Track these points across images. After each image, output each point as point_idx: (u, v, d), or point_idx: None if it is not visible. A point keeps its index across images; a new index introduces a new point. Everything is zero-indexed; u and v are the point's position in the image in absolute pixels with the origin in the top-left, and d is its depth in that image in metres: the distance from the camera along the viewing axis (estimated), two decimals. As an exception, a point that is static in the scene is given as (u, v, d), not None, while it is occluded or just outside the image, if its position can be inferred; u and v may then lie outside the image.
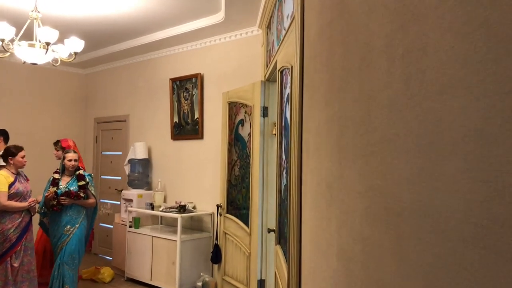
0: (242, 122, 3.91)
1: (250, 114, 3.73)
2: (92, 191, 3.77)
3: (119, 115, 5.91)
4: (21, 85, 5.90)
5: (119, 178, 5.83)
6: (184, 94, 4.84)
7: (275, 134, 3.51)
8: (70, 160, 3.73)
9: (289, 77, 2.31)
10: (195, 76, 4.69)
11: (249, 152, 3.70)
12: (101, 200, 6.18)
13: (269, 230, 2.71)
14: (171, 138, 5.02)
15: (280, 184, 2.59)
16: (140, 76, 5.58)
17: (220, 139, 4.29)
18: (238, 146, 3.96)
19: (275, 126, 3.52)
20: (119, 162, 5.76)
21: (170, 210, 4.36)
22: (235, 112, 4.04)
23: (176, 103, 4.95)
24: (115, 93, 6.01)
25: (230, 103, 4.14)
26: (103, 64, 6.13)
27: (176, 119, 4.95)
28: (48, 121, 6.16)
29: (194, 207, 4.63)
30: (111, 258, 5.36)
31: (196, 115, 4.70)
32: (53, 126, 6.22)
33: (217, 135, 4.44)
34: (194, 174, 4.76)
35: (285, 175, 2.40)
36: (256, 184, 3.53)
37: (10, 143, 5.60)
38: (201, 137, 4.67)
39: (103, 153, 6.24)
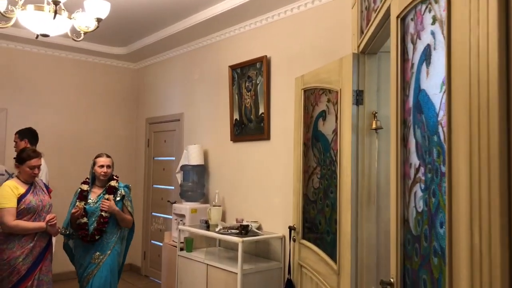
0: (323, 114, 2.91)
1: (336, 102, 2.73)
2: (129, 208, 2.97)
3: (172, 113, 5.19)
4: (65, 81, 5.43)
5: (172, 188, 5.10)
6: (246, 84, 3.96)
7: (375, 129, 2.47)
8: (101, 166, 2.99)
9: (429, 14, 1.29)
10: (260, 60, 3.78)
11: (335, 156, 2.70)
12: (153, 213, 5.50)
13: (384, 284, 1.68)
14: (231, 140, 4.15)
15: (403, 208, 1.56)
16: (195, 67, 4.80)
17: (292, 139, 3.33)
18: (318, 147, 2.97)
19: (375, 117, 2.48)
20: (172, 168, 5.02)
21: (229, 231, 3.46)
22: (314, 101, 3.06)
23: (236, 96, 4.07)
24: (168, 88, 5.31)
25: (305, 91, 3.17)
26: (155, 56, 5.48)
27: (236, 116, 4.07)
28: (95, 122, 5.64)
29: (259, 228, 3.70)
30: (161, 282, 4.60)
31: (261, 110, 3.78)
32: (101, 128, 5.69)
33: (288, 135, 3.49)
34: (259, 185, 3.83)
35: (420, 193, 1.37)
36: (346, 202, 2.51)
37: (51, 145, 5.12)
38: (267, 138, 3.74)
39: (155, 158, 5.56)
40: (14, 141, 3.84)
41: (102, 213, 2.91)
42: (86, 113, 5.56)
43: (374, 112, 2.52)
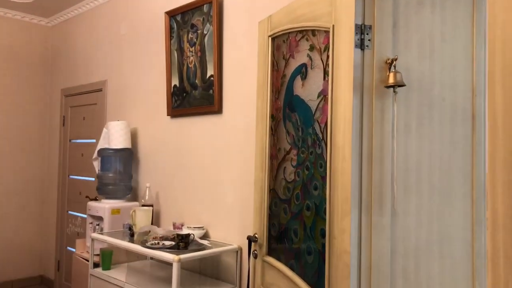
0: (303, 70, 2.00)
1: (325, 49, 1.81)
2: None
3: (93, 82, 4.09)
4: None
5: (93, 179, 4.02)
6: (190, 35, 2.95)
7: (393, 87, 1.58)
8: None
9: None
10: (208, 1, 2.77)
11: (322, 132, 1.80)
12: (69, 212, 4.39)
13: None
14: (168, 114, 3.14)
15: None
16: (123, 19, 3.73)
17: (254, 112, 2.40)
18: (293, 121, 2.06)
19: (391, 68, 1.58)
20: (93, 154, 3.93)
21: (162, 243, 2.47)
22: (287, 53, 2.13)
23: (175, 53, 3.05)
24: (89, 50, 4.20)
25: (275, 38, 2.24)
26: (72, 7, 4.34)
27: (175, 81, 3.06)
28: (-11, 92, 4.40)
29: (205, 236, 2.75)
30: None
31: (210, 71, 2.80)
32: (4, 103, 4.44)
33: (248, 105, 2.57)
34: (207, 177, 2.86)
35: None
36: (344, 203, 1.63)
37: None
38: (219, 110, 2.77)
39: (72, 141, 4.43)
40: None
41: None
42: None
43: (389, 60, 1.62)
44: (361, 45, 1.64)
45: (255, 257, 2.30)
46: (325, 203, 1.75)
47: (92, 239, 2.88)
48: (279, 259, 2.14)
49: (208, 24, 2.82)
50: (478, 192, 1.66)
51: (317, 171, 1.85)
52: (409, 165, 1.64)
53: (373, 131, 1.62)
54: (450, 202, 1.64)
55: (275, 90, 2.23)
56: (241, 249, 2.58)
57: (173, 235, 2.52)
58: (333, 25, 1.74)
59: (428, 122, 1.65)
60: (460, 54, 1.67)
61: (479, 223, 1.67)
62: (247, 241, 2.33)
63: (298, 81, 2.03)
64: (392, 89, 1.60)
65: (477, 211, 1.66)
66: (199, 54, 2.89)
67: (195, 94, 2.93)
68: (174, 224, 2.84)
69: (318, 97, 1.86)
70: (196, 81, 2.91)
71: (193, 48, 2.93)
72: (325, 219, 1.75)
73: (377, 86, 1.62)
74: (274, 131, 2.23)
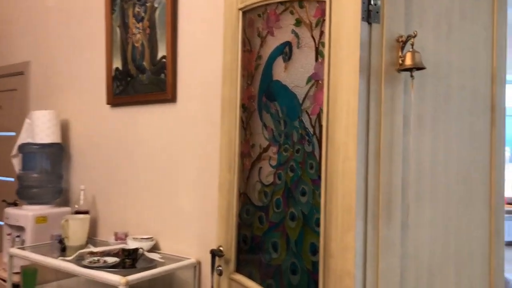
0: (286, 50, 1.69)
1: (317, 24, 1.51)
2: None
3: (12, 64, 3.53)
4: None
5: (13, 179, 3.46)
6: (136, 9, 2.52)
7: (410, 70, 1.31)
8: None
9: None
10: (160, -32, 2.37)
11: (313, 125, 1.50)
12: (-20, 219, 3.75)
13: None
14: (108, 103, 2.70)
15: None
16: (50, -12, 3.19)
17: (217, 100, 2.06)
18: (273, 112, 1.74)
19: (405, 47, 1.32)
20: (12, 149, 3.38)
21: (103, 260, 2.04)
22: (263, 30, 1.81)
23: (118, 31, 2.61)
24: (5, 25, 3.62)
25: (247, 12, 1.91)
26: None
27: (118, 64, 2.62)
28: None
29: (154, 248, 2.35)
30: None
31: (162, 52, 2.40)
32: None
33: (211, 93, 2.21)
34: (156, 177, 2.46)
35: None
36: (346, 212, 1.35)
37: None
38: (172, 99, 2.38)
39: (-16, 134, 3.82)
40: None
41: None
42: None
43: (402, 38, 1.34)
44: (367, 18, 1.35)
45: (220, 274, 1.95)
46: (318, 213, 1.45)
47: (11, 256, 2.37)
48: (251, 277, 1.81)
49: (159, -4, 2.40)
50: (497, 197, 1.44)
51: (305, 173, 1.54)
52: (422, 167, 1.38)
53: (381, 125, 1.34)
54: (470, 210, 1.41)
55: (247, 75, 1.89)
56: (199, 263, 2.21)
57: (116, 250, 2.10)
58: (331, -7, 1.43)
59: (445, 114, 1.40)
60: (482, 34, 1.44)
61: (498, 234, 1.45)
62: (207, 254, 1.97)
63: (279, 63, 1.71)
64: (404, 73, 1.33)
65: (496, 220, 1.44)
66: (147, 31, 2.46)
67: (142, 78, 2.50)
68: (116, 235, 2.40)
69: (307, 82, 1.55)
70: (144, 63, 2.48)
71: (141, 24, 2.49)
72: (317, 232, 1.45)
73: (387, 69, 1.34)
74: (245, 124, 1.89)
